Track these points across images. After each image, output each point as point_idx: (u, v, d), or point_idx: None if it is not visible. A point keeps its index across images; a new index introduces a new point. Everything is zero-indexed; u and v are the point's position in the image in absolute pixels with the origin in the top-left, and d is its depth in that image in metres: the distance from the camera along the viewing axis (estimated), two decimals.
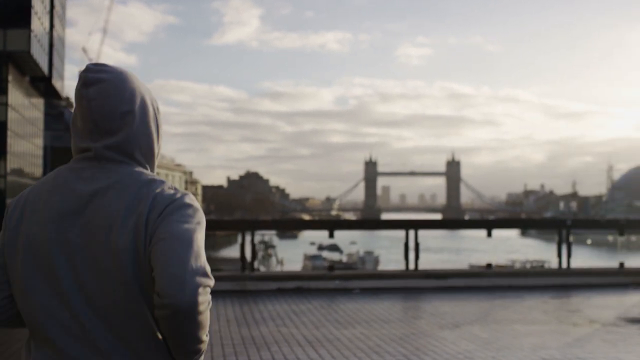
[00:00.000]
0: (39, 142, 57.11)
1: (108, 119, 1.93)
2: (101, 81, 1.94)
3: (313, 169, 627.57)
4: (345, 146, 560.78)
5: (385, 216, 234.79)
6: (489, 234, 13.29)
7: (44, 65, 48.25)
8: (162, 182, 1.93)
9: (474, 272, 13.07)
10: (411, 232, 13.67)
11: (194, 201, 1.92)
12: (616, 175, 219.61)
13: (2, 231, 1.99)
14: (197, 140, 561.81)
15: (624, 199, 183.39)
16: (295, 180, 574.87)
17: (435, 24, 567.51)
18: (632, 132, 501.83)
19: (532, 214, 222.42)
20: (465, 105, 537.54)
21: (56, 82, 55.65)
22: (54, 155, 61.28)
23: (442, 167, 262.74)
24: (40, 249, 1.90)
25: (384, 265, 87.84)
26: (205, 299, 1.73)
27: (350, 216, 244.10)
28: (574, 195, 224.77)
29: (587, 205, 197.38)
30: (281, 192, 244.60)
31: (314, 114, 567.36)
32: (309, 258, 70.95)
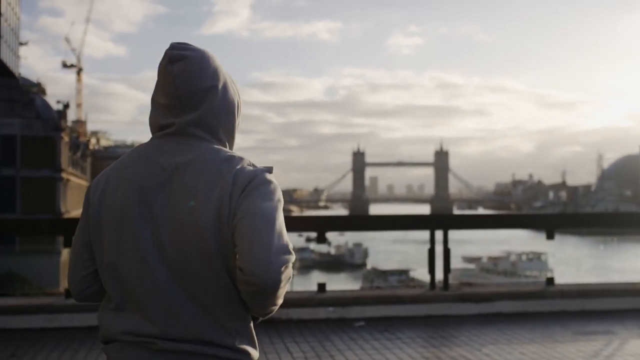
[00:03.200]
0: None
1: (191, 94, 2.03)
2: (185, 58, 2.04)
3: (301, 159, 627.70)
4: (334, 137, 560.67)
5: (373, 207, 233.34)
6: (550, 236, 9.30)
7: None
8: (241, 158, 2.01)
9: (529, 293, 8.96)
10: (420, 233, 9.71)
11: (273, 178, 2.01)
12: (605, 165, 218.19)
13: (86, 207, 2.10)
14: None
15: (614, 189, 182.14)
16: (283, 171, 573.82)
17: (427, 13, 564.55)
18: (621, 122, 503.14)
19: (520, 203, 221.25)
20: (455, 95, 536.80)
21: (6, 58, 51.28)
22: (24, 145, 56.89)
23: (431, 158, 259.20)
24: (125, 221, 1.99)
25: (374, 258, 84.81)
26: (287, 275, 1.87)
27: (338, 207, 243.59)
28: (563, 185, 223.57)
29: (576, 195, 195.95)
30: None
31: (303, 104, 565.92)
32: (296, 251, 66.87)
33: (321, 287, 8.85)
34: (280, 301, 1.93)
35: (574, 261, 76.33)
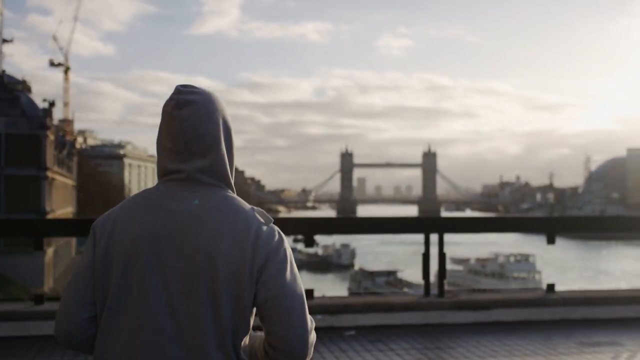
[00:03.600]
0: None
1: (199, 140, 2.02)
2: (192, 103, 2.03)
3: (290, 160, 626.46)
4: (323, 137, 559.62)
5: (361, 208, 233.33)
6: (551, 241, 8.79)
7: None
8: (253, 209, 2.04)
9: (529, 300, 8.49)
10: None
11: (281, 232, 2.05)
12: (593, 167, 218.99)
13: (91, 249, 2.02)
14: None
15: (601, 191, 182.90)
16: (271, 171, 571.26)
17: (416, 14, 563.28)
18: (608, 124, 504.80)
19: (508, 205, 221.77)
20: (444, 97, 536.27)
21: None
22: (8, 143, 56.14)
23: (419, 159, 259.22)
24: (135, 267, 1.95)
25: (361, 259, 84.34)
26: (313, 343, 2.00)
27: (326, 208, 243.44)
28: (550, 187, 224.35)
29: (564, 197, 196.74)
30: (257, 183, 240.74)
31: (292, 105, 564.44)
32: None
33: (308, 293, 8.33)
34: None
35: (561, 263, 76.25)
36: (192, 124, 2.00)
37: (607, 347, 7.14)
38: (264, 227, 2.00)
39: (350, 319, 7.95)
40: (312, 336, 1.96)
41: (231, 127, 2.11)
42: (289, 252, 2.01)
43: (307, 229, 8.70)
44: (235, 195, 2.07)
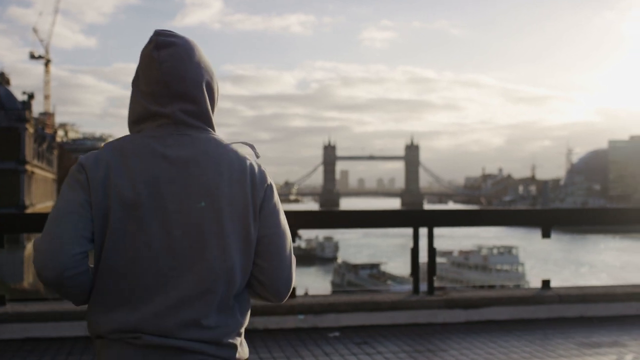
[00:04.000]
0: None
1: (179, 82, 1.99)
2: (172, 45, 2.00)
3: (273, 153, 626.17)
4: (306, 130, 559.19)
5: (344, 201, 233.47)
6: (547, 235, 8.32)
7: None
8: (244, 146, 2.10)
9: (523, 297, 8.03)
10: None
11: (265, 168, 2.11)
12: (574, 159, 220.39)
13: (84, 187, 1.94)
14: None
15: (582, 183, 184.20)
16: None
17: (400, 7, 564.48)
18: (590, 117, 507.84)
19: (490, 197, 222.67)
20: (427, 90, 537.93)
21: None
22: None
23: (402, 152, 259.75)
24: (135, 212, 1.93)
25: (344, 252, 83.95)
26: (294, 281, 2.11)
27: (308, 200, 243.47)
28: (532, 179, 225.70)
29: (546, 189, 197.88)
30: None
31: (275, 98, 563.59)
32: None
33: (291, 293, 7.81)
34: None
35: (544, 255, 76.33)
36: (172, 65, 1.97)
37: (608, 348, 6.69)
38: (256, 167, 2.05)
39: (335, 319, 7.44)
40: (294, 277, 2.10)
41: (213, 72, 2.09)
42: (278, 198, 2.10)
43: (293, 223, 8.18)
44: (222, 138, 2.07)
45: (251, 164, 2.03)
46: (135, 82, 2.06)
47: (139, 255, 1.92)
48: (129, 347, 1.93)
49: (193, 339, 1.93)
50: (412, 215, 8.59)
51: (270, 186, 2.06)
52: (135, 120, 2.06)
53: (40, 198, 58.54)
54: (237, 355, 2.02)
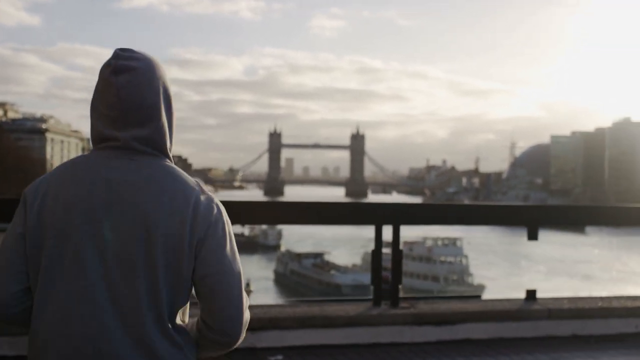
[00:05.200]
0: None
1: (137, 110, 1.92)
2: (131, 69, 1.92)
3: (218, 139, 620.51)
4: (252, 117, 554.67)
5: (288, 188, 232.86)
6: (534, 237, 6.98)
7: None
8: (194, 181, 1.98)
9: (505, 312, 6.67)
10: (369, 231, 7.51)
11: (220, 205, 1.97)
12: (517, 153, 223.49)
13: (22, 218, 1.93)
14: None
15: (524, 176, 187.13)
16: (199, 150, 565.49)
17: None
18: (534, 111, 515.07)
19: (434, 189, 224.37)
20: (374, 80, 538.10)
21: None
22: None
23: (347, 141, 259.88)
24: (69, 238, 1.88)
25: (287, 241, 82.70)
26: (247, 322, 1.97)
27: (253, 187, 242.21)
28: (475, 172, 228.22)
29: (489, 182, 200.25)
30: (183, 162, 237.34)
31: (222, 83, 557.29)
32: None
33: None
34: None
35: (486, 247, 76.35)
36: (130, 92, 1.90)
37: None
38: (203, 199, 1.93)
39: (277, 337, 5.94)
40: (247, 315, 1.94)
41: (171, 94, 2.03)
42: (229, 225, 1.96)
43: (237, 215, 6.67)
44: (174, 165, 1.98)
45: (197, 197, 1.91)
46: (94, 103, 1.96)
47: (76, 282, 1.84)
48: None
49: None
50: (375, 211, 7.05)
51: (216, 222, 1.91)
52: (94, 141, 1.98)
53: None
54: None
